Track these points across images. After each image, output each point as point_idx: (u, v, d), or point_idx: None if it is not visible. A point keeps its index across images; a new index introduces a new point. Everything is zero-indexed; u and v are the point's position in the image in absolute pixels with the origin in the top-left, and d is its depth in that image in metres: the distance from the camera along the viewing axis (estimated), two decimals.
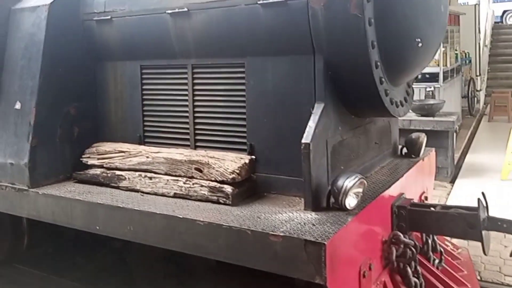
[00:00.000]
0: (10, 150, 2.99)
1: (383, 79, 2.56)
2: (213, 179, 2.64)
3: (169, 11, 2.83)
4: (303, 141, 2.41)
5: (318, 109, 2.52)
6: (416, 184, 3.26)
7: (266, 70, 2.70)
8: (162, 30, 2.90)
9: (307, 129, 2.44)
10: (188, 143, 3.00)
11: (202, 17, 2.78)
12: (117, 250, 3.74)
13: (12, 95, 3.05)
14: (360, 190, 2.48)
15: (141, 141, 3.14)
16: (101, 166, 2.99)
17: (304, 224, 2.26)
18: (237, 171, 2.59)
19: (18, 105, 3.00)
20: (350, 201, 2.42)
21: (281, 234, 2.15)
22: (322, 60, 2.52)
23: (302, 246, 2.09)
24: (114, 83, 3.22)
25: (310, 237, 2.10)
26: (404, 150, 3.49)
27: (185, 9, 2.78)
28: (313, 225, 2.25)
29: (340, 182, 2.42)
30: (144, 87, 3.12)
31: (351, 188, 2.39)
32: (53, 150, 3.02)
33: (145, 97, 3.13)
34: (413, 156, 3.43)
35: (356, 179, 2.42)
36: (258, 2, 2.57)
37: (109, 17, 3.04)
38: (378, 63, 2.49)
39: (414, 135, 3.48)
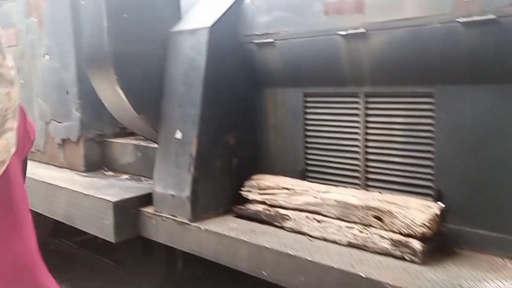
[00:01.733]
0: (171, 181, 2.92)
1: None
2: (396, 230, 2.26)
3: (342, 33, 2.51)
4: None
5: None
6: None
7: (463, 102, 2.25)
8: (332, 54, 2.59)
9: None
10: (357, 181, 2.66)
11: (382, 38, 2.41)
12: (264, 282, 3.55)
13: (172, 123, 2.99)
14: None
15: (303, 176, 2.88)
16: (263, 202, 2.78)
17: None
18: (427, 224, 2.17)
19: (179, 135, 2.92)
20: None
21: None
22: None
23: None
24: (274, 111, 3.00)
25: None
26: None
27: (362, 30, 2.44)
28: None
29: None
30: (307, 116, 2.84)
31: None
32: (213, 182, 2.89)
33: (308, 127, 2.85)
34: None
35: None
36: (459, 20, 2.13)
37: (271, 39, 2.82)
38: None
39: None
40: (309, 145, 2.86)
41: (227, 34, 2.93)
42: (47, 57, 4.13)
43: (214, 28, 2.83)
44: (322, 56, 2.64)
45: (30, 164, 4.50)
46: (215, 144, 2.91)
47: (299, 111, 2.87)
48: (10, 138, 1.13)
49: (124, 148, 3.88)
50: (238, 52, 3.00)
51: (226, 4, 2.96)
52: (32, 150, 4.77)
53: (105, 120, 4.00)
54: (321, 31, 2.59)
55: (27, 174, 4.00)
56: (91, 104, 3.90)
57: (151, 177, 3.64)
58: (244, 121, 3.06)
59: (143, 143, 3.72)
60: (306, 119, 2.85)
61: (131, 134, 4.07)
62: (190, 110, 2.87)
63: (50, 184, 3.63)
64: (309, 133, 2.85)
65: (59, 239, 4.71)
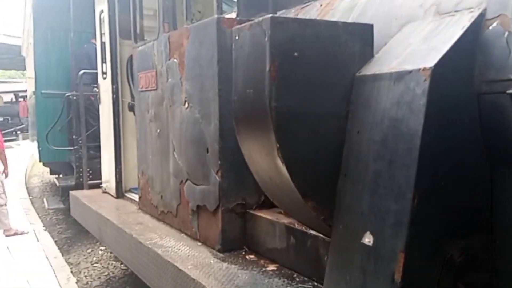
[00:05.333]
0: None
1: None
2: None
3: None
4: None
5: None
6: None
7: None
8: None
9: None
10: None
11: None
12: None
13: (357, 219, 1.90)
14: None
15: None
16: None
17: None
18: None
19: (368, 239, 1.83)
20: None
21: None
22: None
23: None
24: None
25: None
26: None
27: None
28: None
29: None
30: None
31: None
32: None
33: None
34: None
35: None
36: None
37: None
38: None
39: None
40: None
41: (454, 79, 1.80)
42: (187, 105, 3.44)
43: (439, 69, 1.72)
44: None
45: (160, 228, 3.86)
46: (432, 262, 1.75)
47: None
48: None
49: (272, 227, 2.91)
50: (471, 106, 1.84)
51: (453, 31, 1.84)
52: (163, 210, 4.16)
53: (249, 186, 3.10)
54: None
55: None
56: (234, 166, 3.05)
57: (308, 276, 2.63)
58: (478, 223, 1.85)
59: (298, 226, 2.72)
60: None
61: None
62: (390, 203, 1.77)
63: (179, 269, 2.82)
64: None
65: None
